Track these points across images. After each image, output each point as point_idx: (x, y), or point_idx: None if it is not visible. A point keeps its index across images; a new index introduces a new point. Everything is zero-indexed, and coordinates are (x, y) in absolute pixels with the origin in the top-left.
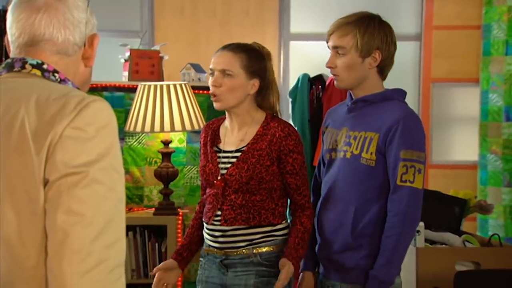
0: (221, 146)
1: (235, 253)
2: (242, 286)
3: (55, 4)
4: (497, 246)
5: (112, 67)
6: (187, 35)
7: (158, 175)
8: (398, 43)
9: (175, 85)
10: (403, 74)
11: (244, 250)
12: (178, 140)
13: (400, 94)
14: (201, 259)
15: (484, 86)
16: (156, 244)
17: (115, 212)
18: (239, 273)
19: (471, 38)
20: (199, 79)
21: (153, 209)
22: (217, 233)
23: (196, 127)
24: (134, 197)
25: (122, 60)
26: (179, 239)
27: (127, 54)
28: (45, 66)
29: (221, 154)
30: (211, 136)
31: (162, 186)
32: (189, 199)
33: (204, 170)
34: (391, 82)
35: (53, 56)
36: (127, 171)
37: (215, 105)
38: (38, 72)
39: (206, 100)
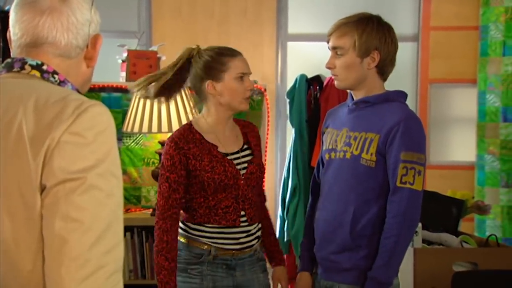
0: (222, 150)
1: (247, 251)
2: (255, 280)
3: (59, 7)
4: (494, 247)
5: (109, 67)
6: (184, 36)
7: (156, 175)
8: None
9: None
10: (401, 75)
11: (255, 247)
12: None
13: (401, 96)
14: (198, 266)
15: (481, 87)
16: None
17: (113, 217)
18: (247, 271)
19: (469, 39)
20: None
21: (151, 209)
22: (241, 235)
23: None
24: (131, 197)
25: (120, 61)
26: None
27: (125, 54)
28: (44, 67)
29: (229, 157)
30: (203, 145)
31: None
32: None
33: (226, 175)
34: (388, 83)
35: (55, 59)
36: (124, 172)
37: (246, 107)
38: (37, 73)
39: None
